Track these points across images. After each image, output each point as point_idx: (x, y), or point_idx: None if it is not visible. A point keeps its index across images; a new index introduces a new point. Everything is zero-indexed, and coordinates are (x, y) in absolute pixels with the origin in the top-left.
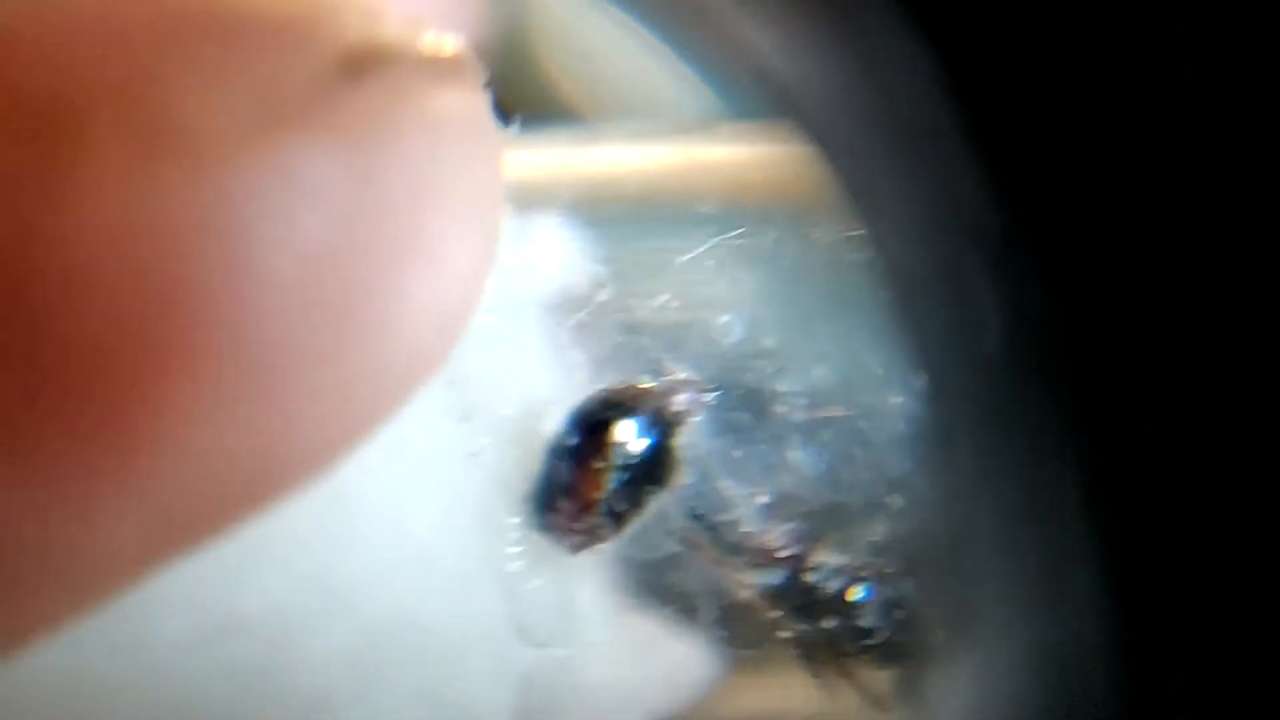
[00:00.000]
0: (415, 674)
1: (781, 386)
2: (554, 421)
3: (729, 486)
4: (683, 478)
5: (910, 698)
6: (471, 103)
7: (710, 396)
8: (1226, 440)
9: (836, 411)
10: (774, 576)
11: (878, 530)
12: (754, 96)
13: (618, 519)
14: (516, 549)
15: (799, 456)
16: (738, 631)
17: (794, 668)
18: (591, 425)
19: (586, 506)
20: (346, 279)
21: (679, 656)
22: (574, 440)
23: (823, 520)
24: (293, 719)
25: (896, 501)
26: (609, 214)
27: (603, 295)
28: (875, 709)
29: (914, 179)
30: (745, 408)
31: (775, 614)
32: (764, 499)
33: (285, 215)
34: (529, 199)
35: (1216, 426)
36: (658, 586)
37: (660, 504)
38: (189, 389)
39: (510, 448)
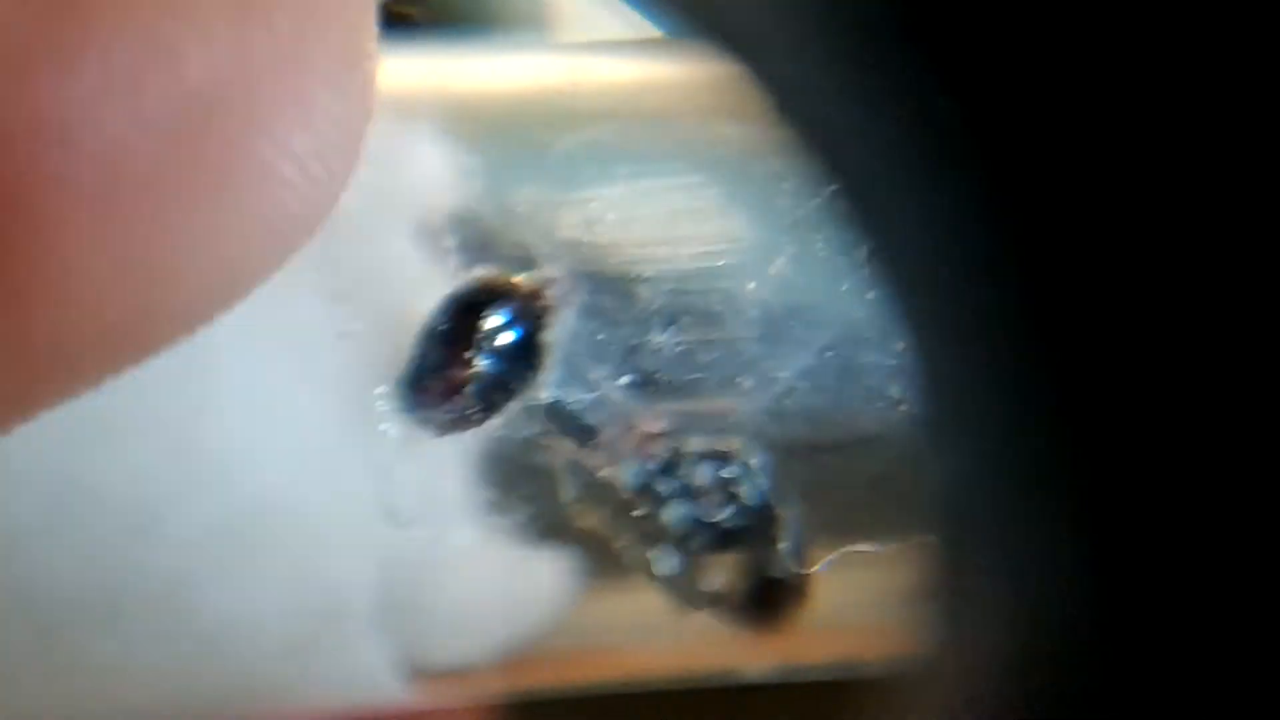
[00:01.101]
0: (279, 555)
1: (646, 272)
2: (426, 307)
3: (593, 371)
4: (549, 368)
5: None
6: None
7: (578, 292)
8: (1225, 440)
9: (696, 297)
10: (640, 465)
11: (735, 410)
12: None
13: (486, 405)
14: (385, 430)
15: (660, 339)
16: (593, 533)
17: (643, 575)
18: (463, 310)
19: (455, 387)
20: (224, 113)
21: (542, 576)
22: (445, 324)
23: (683, 401)
24: (150, 602)
25: (748, 382)
26: (486, 122)
27: (475, 184)
28: (720, 610)
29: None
30: (610, 293)
31: (638, 505)
32: (626, 380)
33: (164, 43)
34: (406, 109)
35: (1214, 424)
36: (522, 479)
37: (527, 395)
38: (58, 213)
39: (381, 331)
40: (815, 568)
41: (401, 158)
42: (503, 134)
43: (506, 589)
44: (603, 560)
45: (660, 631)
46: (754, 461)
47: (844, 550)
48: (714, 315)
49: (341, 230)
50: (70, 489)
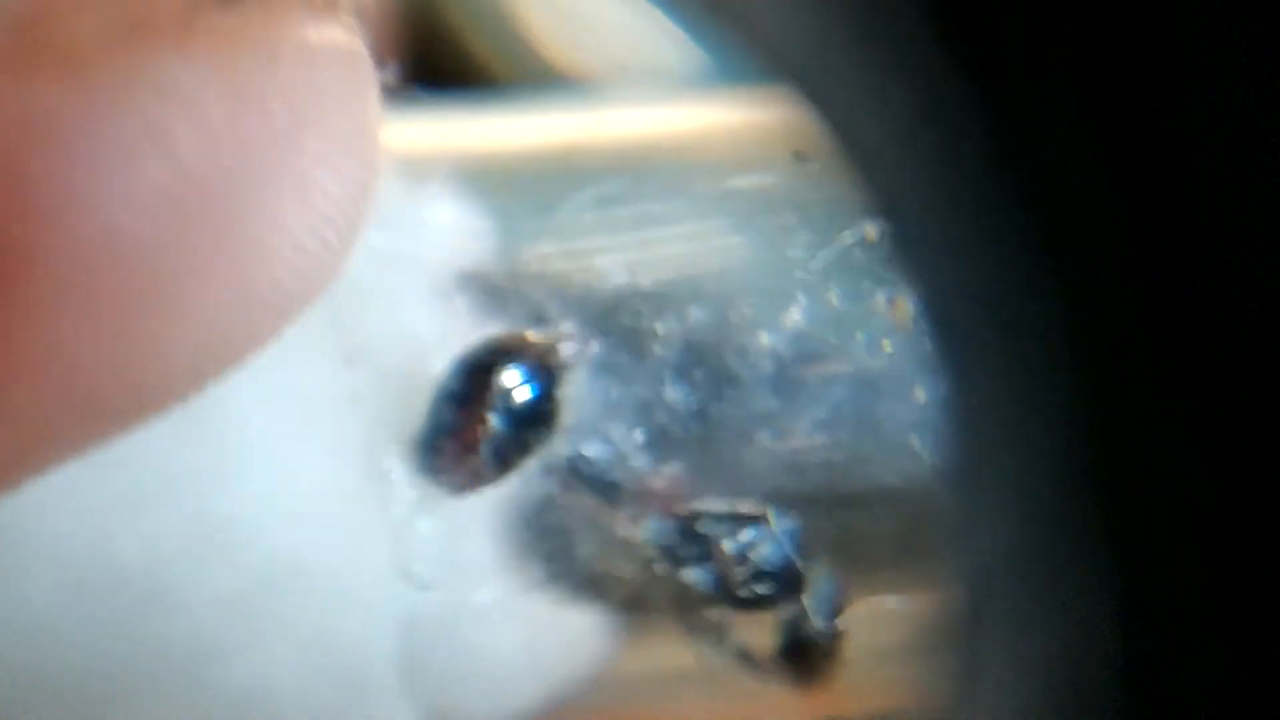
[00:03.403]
0: (298, 622)
1: (659, 327)
2: (439, 367)
3: (609, 428)
4: (564, 425)
5: (796, 652)
6: (347, 36)
7: (593, 348)
8: (1244, 442)
9: (709, 351)
10: (660, 526)
11: (754, 469)
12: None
13: (501, 463)
14: (401, 492)
15: (673, 395)
16: (621, 592)
17: (675, 630)
18: (476, 369)
19: (469, 447)
20: (219, 194)
21: (573, 631)
22: (458, 385)
23: (699, 458)
24: (168, 676)
25: (766, 438)
26: (496, 181)
27: (486, 244)
28: (753, 667)
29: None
30: (624, 348)
31: (661, 565)
32: (640, 438)
33: (158, 125)
34: (416, 170)
35: (1232, 426)
36: (541, 538)
37: (543, 453)
38: (49, 289)
39: (394, 393)
40: (842, 623)
41: (412, 219)
42: (513, 191)
43: (534, 646)
44: (634, 614)
45: (693, 687)
46: (774, 524)
47: (871, 603)
48: (727, 370)
49: (352, 294)
50: (87, 562)
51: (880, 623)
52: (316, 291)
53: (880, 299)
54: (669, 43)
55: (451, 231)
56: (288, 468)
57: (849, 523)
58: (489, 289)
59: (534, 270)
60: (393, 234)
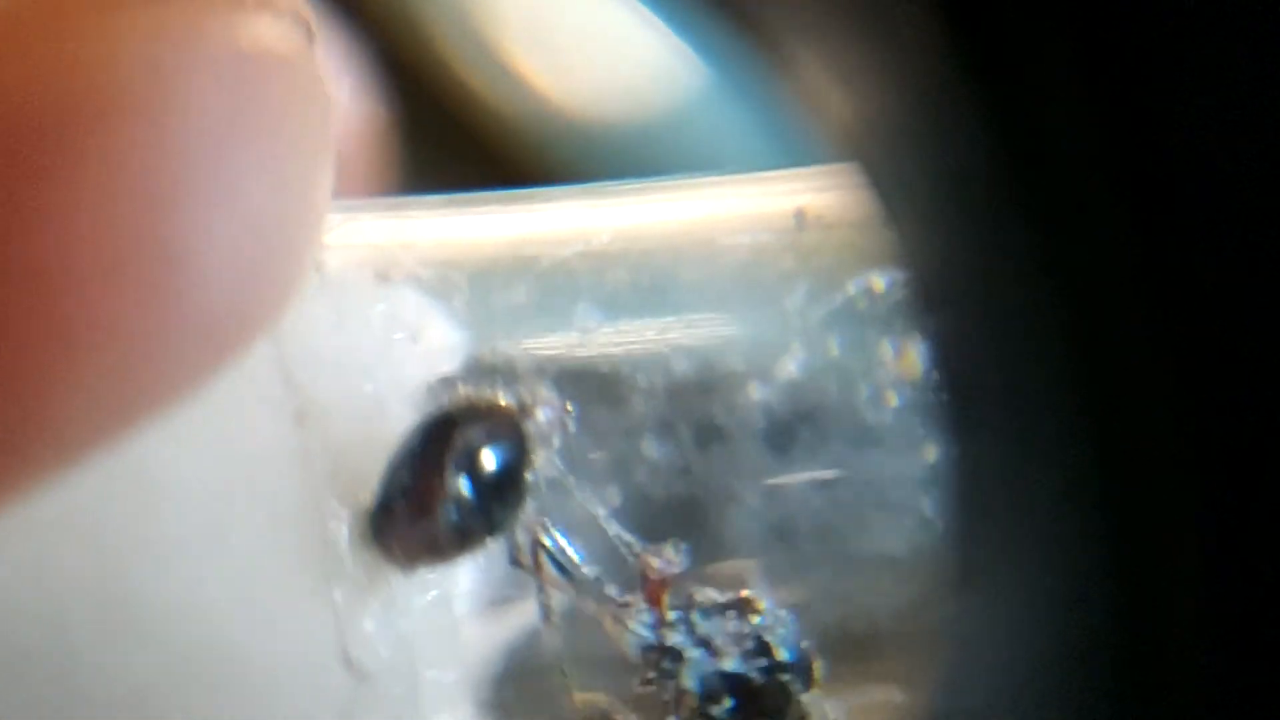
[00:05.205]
0: (228, 714)
1: (640, 379)
2: (399, 427)
3: (587, 501)
4: (534, 498)
5: None
6: (289, 41)
7: (570, 412)
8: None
9: (695, 405)
10: (651, 619)
11: (743, 535)
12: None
13: (461, 534)
14: (346, 564)
15: (654, 450)
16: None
17: None
18: (438, 427)
19: (424, 509)
20: (139, 194)
21: None
22: (417, 442)
23: (682, 523)
24: None
25: (753, 495)
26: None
27: (459, 296)
28: None
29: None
30: (601, 405)
31: (654, 671)
32: (616, 499)
33: (62, 120)
34: (384, 266)
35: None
36: (506, 647)
37: (509, 529)
38: None
39: (348, 453)
40: None
41: (382, 320)
42: (482, 276)
43: None
44: None
45: None
46: (779, 611)
47: (865, 699)
48: (714, 424)
49: (306, 352)
50: None
51: None
52: (257, 323)
53: (886, 349)
54: (660, 69)
55: (422, 330)
56: (222, 535)
57: (848, 596)
58: (458, 341)
59: (506, 326)
60: (360, 333)
